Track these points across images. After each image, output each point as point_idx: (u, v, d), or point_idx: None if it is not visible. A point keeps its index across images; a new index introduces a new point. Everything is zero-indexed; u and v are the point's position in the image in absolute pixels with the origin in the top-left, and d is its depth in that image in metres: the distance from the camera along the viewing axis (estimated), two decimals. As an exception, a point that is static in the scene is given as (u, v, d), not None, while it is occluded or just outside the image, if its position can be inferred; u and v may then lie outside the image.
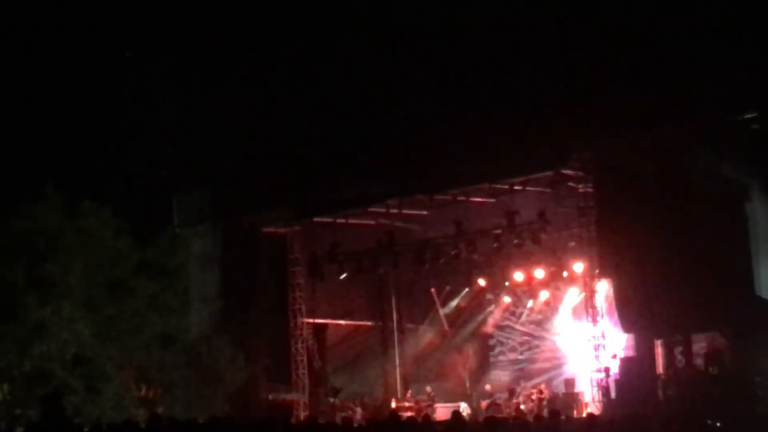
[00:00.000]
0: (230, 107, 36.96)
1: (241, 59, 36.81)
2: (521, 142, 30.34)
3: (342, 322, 39.01)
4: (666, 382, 28.77)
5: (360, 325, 39.73)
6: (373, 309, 39.99)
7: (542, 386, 34.41)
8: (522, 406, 33.22)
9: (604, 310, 31.53)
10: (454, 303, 38.75)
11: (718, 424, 19.62)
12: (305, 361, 36.65)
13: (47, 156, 34.44)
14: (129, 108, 36.55)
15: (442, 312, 38.91)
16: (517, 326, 37.85)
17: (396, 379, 39.14)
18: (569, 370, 35.03)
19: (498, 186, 32.86)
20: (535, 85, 30.76)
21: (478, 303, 38.80)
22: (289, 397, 35.99)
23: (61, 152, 34.75)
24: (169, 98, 36.48)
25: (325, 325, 38.28)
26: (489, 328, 38.65)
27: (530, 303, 37.31)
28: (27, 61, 35.23)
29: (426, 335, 39.76)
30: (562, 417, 23.25)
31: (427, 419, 22.84)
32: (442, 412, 33.03)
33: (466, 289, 38.22)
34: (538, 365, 36.90)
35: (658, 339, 29.92)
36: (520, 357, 37.64)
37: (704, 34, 28.06)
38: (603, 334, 31.12)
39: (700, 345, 29.59)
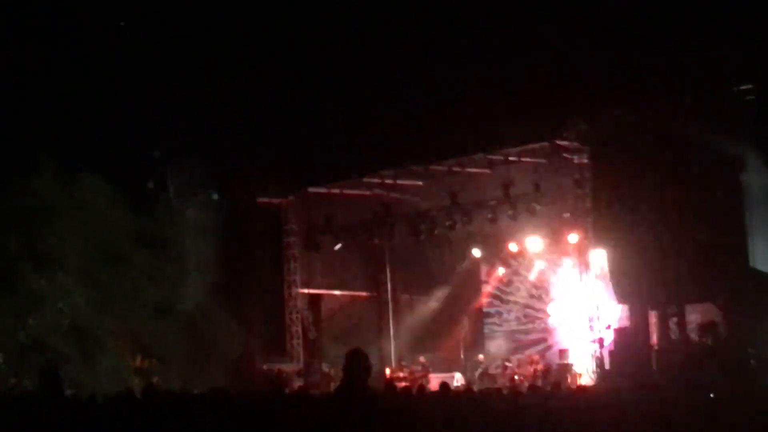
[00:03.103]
0: (225, 77, 36.85)
1: (235, 30, 36.69)
2: (517, 113, 30.29)
3: (337, 292, 39.09)
4: (660, 352, 28.86)
5: (355, 296, 39.82)
6: (368, 280, 40.09)
7: (536, 357, 34.55)
8: (516, 377, 33.36)
9: (598, 281, 31.60)
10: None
11: (712, 395, 19.66)
12: (300, 331, 36.73)
13: (42, 126, 34.34)
14: (124, 78, 36.44)
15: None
16: (512, 297, 37.97)
17: (390, 350, 39.25)
18: (563, 340, 35.14)
19: (493, 157, 32.86)
20: (531, 56, 30.67)
21: (474, 274, 38.91)
22: (283, 367, 36.07)
23: (56, 123, 34.65)
24: (165, 68, 36.37)
25: (320, 295, 38.37)
26: (484, 298, 38.78)
27: (525, 274, 37.41)
28: (20, 32, 35.09)
29: (421, 306, 39.87)
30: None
31: (422, 390, 22.96)
32: (436, 382, 33.12)
33: (466, 260, 38.30)
34: (532, 336, 37.05)
35: (652, 310, 29.99)
36: (514, 328, 37.78)
37: (700, 5, 27.99)
38: (597, 305, 31.20)
39: (694, 316, 29.69)
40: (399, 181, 35.16)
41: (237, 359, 35.76)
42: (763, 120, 27.47)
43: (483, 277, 38.87)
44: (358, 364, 10.75)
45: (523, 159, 32.64)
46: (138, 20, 36.76)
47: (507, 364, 34.84)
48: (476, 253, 37.81)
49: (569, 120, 30.13)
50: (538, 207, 32.39)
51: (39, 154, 33.15)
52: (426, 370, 35.22)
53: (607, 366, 29.96)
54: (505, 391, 23.90)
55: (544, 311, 36.87)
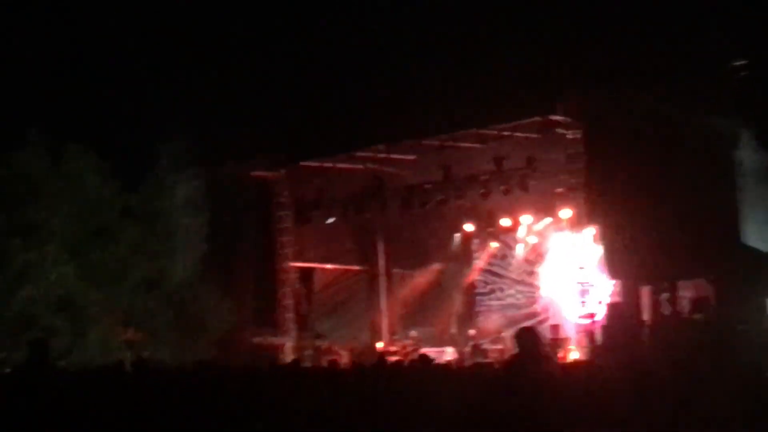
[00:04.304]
0: (216, 51, 36.72)
1: (228, 6, 36.57)
2: (510, 88, 30.21)
3: (328, 266, 39.07)
4: (652, 328, 28.85)
5: (347, 270, 39.80)
6: (359, 253, 40.05)
7: (527, 332, 34.55)
8: (507, 352, 33.39)
9: (590, 256, 31.59)
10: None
11: (701, 371, 19.65)
12: (291, 305, 36.72)
13: (31, 99, 34.21)
14: (115, 51, 36.30)
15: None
16: (504, 272, 37.93)
17: (382, 324, 39.25)
18: (555, 316, 35.12)
19: (486, 131, 32.79)
20: (524, 31, 30.57)
21: (466, 249, 38.86)
22: (275, 340, 36.08)
23: (46, 95, 34.51)
24: (156, 42, 36.23)
25: (312, 269, 38.35)
26: (476, 273, 38.74)
27: (517, 249, 37.36)
28: (12, 7, 34.91)
29: (413, 280, 39.85)
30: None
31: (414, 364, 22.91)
32: (428, 357, 33.12)
33: (458, 235, 38.21)
34: (524, 311, 37.00)
35: (644, 286, 30.01)
36: (506, 303, 37.75)
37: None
38: (589, 280, 31.19)
39: (686, 292, 29.68)
40: (391, 156, 35.07)
41: (227, 332, 35.80)
42: (756, 96, 27.40)
43: (475, 251, 38.82)
44: (529, 341, 10.71)
45: (516, 134, 32.57)
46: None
47: (494, 346, 34.81)
48: (468, 227, 37.75)
49: (562, 95, 30.06)
50: (530, 182, 32.33)
51: (28, 127, 33.03)
52: (417, 345, 35.21)
53: (598, 341, 29.98)
54: (496, 366, 23.88)
55: (536, 286, 36.84)
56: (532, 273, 37.08)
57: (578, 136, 30.76)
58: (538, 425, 10.31)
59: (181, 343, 34.53)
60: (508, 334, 35.01)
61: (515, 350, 10.81)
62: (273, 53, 36.23)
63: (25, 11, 34.93)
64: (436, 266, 39.40)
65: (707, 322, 27.37)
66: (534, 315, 36.59)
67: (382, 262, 40.02)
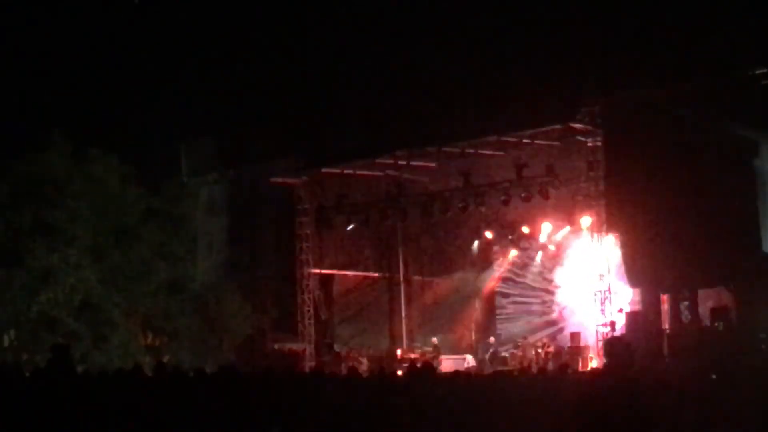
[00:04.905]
0: (238, 54, 36.84)
1: (251, 9, 36.66)
2: (530, 95, 30.24)
3: (349, 273, 39.09)
4: (671, 337, 28.80)
5: (367, 277, 39.80)
6: (380, 260, 40.04)
7: (547, 340, 34.54)
8: (527, 360, 33.36)
9: (610, 264, 31.52)
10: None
11: (722, 380, 19.62)
12: (311, 311, 36.75)
13: (55, 102, 34.40)
14: (137, 55, 36.45)
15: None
16: (524, 280, 37.87)
17: (402, 331, 39.23)
18: (575, 324, 35.06)
19: (506, 139, 32.78)
20: (545, 38, 30.58)
21: (485, 256, 38.82)
22: (295, 347, 36.10)
23: (69, 99, 34.70)
24: (179, 47, 36.38)
25: (332, 275, 38.36)
26: (496, 281, 38.70)
27: (537, 256, 37.31)
28: (35, 7, 35.11)
29: (432, 287, 39.83)
30: (569, 370, 23.31)
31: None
32: (447, 364, 33.22)
33: (478, 242, 38.20)
34: (543, 319, 36.94)
35: (664, 294, 29.93)
36: (526, 310, 37.67)
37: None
38: (609, 288, 31.13)
39: (706, 301, 29.62)
40: (412, 163, 35.07)
41: (247, 338, 35.86)
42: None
43: (495, 259, 38.77)
44: (620, 352, 10.71)
45: (536, 141, 32.55)
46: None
47: (514, 351, 34.80)
48: (488, 235, 37.74)
49: (583, 103, 30.06)
50: (551, 189, 32.28)
51: (52, 131, 33.24)
52: (437, 352, 35.21)
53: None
54: (516, 374, 23.89)
55: (556, 294, 36.76)
56: (551, 280, 37.02)
57: (598, 143, 30.74)
58: None
59: (201, 347, 34.64)
60: (527, 341, 35.07)
61: (605, 361, 10.77)
62: (295, 61, 36.33)
63: (50, 18, 35.13)
64: (456, 273, 39.38)
65: (727, 331, 27.31)
66: (553, 323, 36.55)
67: (402, 269, 40.01)
